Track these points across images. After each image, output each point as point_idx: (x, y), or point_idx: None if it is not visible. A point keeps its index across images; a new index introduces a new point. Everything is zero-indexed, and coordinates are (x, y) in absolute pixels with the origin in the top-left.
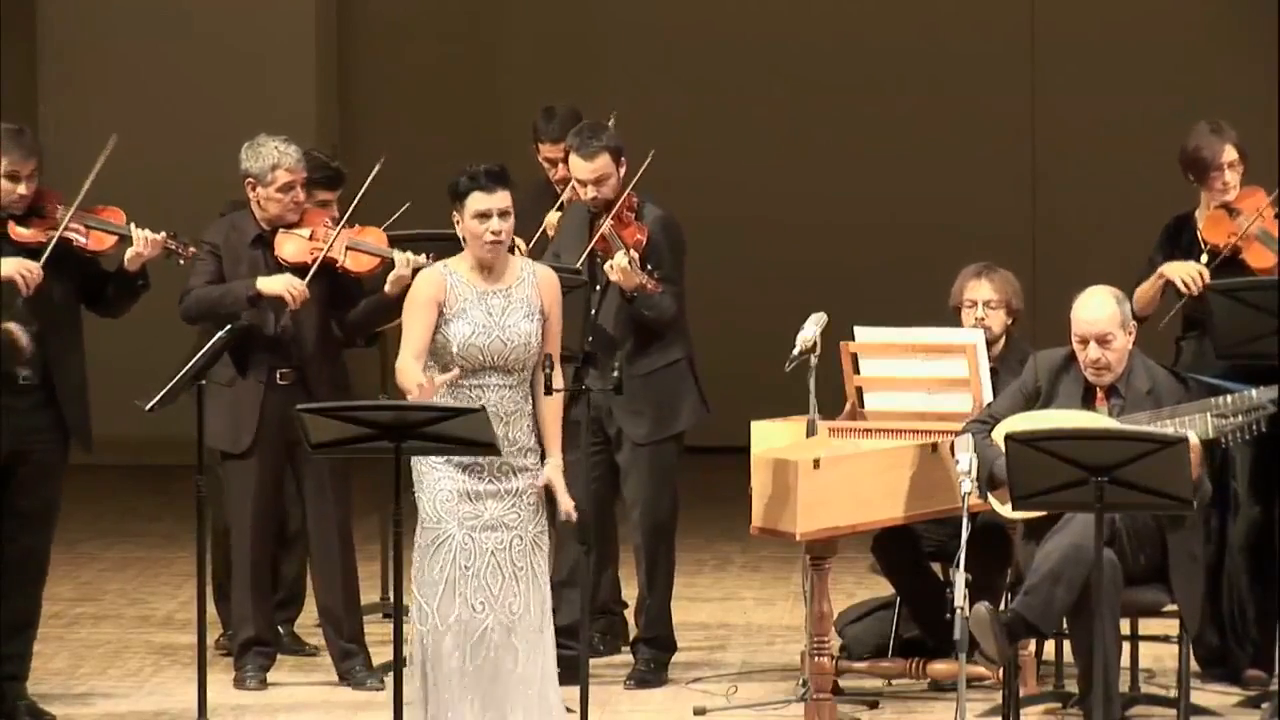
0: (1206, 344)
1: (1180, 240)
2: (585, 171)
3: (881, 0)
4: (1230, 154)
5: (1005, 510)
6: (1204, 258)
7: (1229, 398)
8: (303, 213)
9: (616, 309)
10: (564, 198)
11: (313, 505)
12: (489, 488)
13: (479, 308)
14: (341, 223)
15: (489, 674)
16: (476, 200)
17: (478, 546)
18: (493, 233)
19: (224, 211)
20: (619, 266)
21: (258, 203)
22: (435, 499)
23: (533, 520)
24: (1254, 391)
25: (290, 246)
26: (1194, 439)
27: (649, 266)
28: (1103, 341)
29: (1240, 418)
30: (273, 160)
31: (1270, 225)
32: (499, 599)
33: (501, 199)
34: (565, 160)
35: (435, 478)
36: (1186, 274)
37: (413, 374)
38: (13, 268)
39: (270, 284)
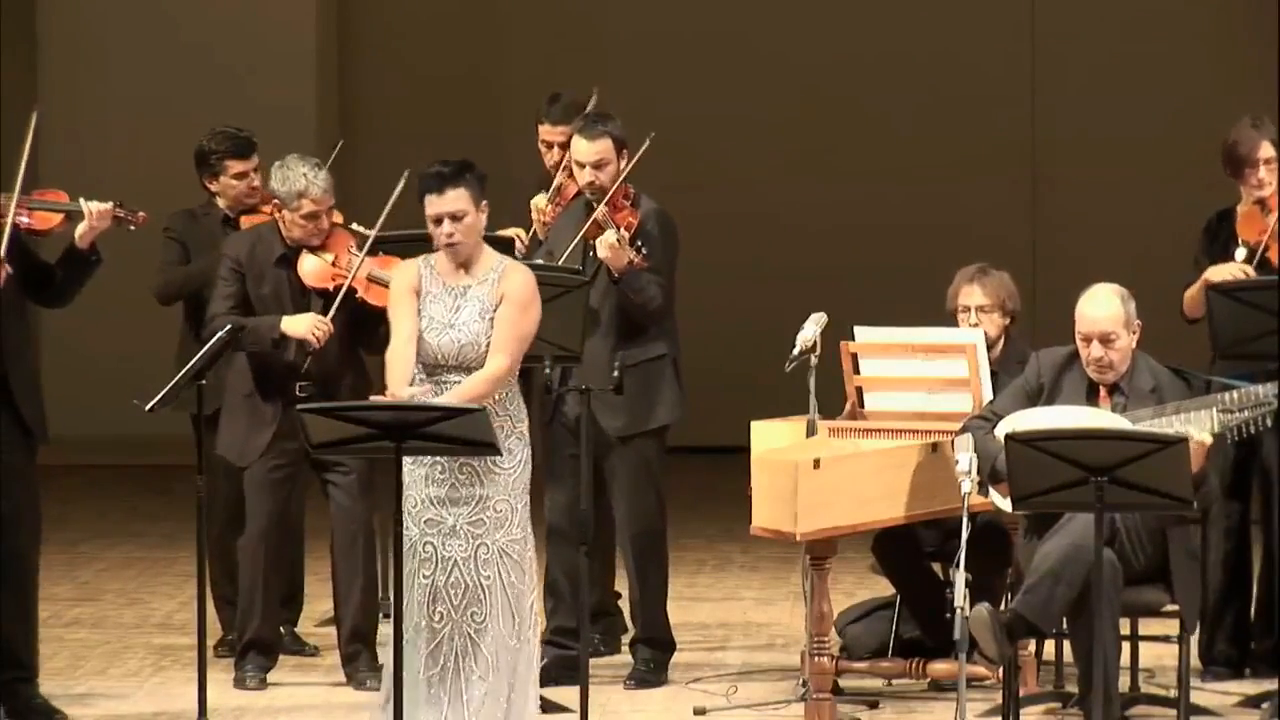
0: None
1: (1219, 236)
2: (587, 153)
3: (883, 2)
4: (1267, 150)
5: (1006, 505)
6: (1240, 253)
7: (1234, 393)
8: (326, 236)
9: (602, 300)
10: (557, 182)
11: (341, 518)
12: (451, 494)
13: (439, 304)
14: (365, 250)
15: (450, 681)
16: (428, 203)
17: (439, 555)
18: (446, 235)
19: (168, 226)
20: (607, 243)
21: (282, 222)
22: (407, 506)
23: (500, 528)
24: (1259, 387)
25: (312, 271)
26: (1208, 437)
27: (638, 243)
28: (1105, 341)
29: (1246, 413)
30: (300, 187)
31: None
32: (460, 608)
33: (453, 200)
34: (563, 145)
35: (407, 484)
36: (1230, 275)
37: (399, 369)
38: None
39: (294, 325)
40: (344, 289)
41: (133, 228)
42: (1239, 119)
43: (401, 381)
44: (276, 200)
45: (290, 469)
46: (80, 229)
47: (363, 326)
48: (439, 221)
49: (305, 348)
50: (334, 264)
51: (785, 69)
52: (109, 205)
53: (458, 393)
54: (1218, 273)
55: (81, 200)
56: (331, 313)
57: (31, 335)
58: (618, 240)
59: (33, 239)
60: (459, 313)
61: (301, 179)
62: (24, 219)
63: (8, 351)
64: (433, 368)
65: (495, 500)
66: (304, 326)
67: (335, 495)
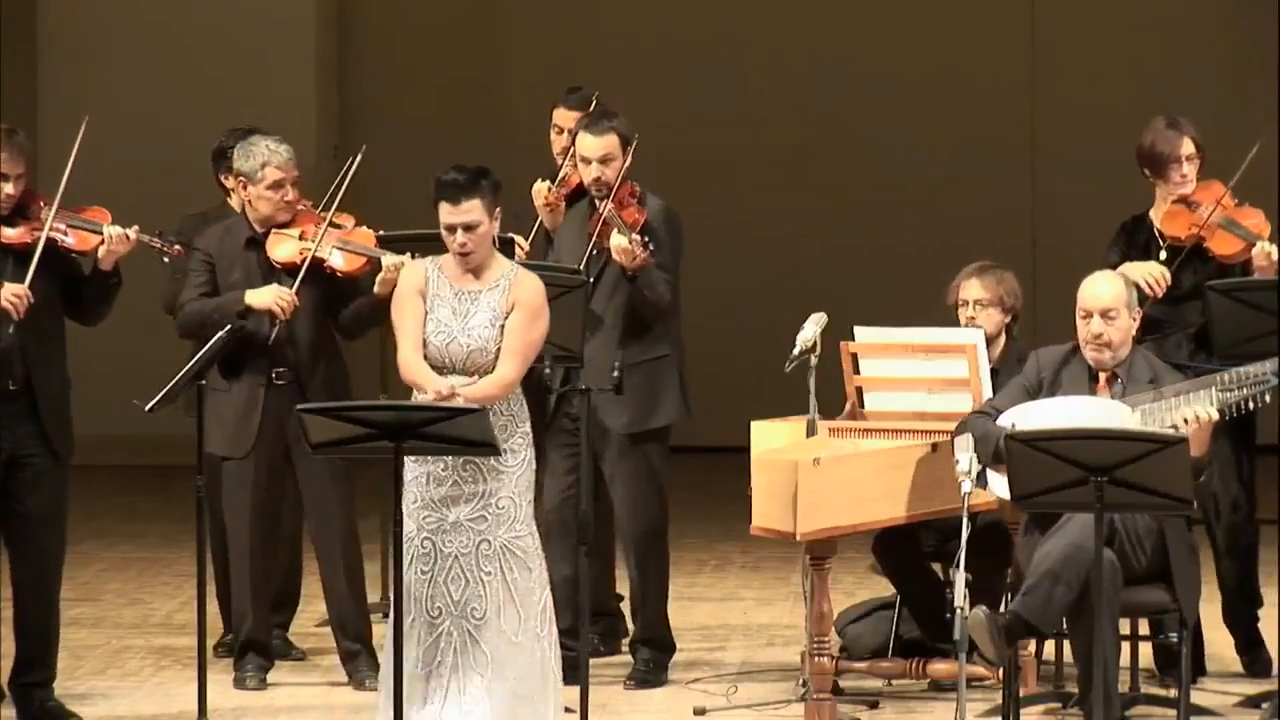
0: (1166, 346)
1: (1137, 239)
2: (593, 148)
3: (884, 2)
4: (1188, 147)
5: (1005, 493)
6: (1163, 254)
7: (1232, 372)
8: (294, 213)
9: (608, 299)
10: (563, 172)
11: (314, 506)
12: (452, 492)
13: (447, 307)
14: (326, 221)
15: (448, 677)
16: (443, 212)
17: (438, 550)
18: (459, 245)
19: (180, 229)
20: (618, 247)
21: (249, 202)
22: (406, 503)
23: (503, 524)
24: (1256, 365)
25: (281, 248)
26: (1214, 412)
27: (645, 238)
28: (1106, 315)
29: (1245, 390)
30: (263, 158)
31: (1234, 213)
32: (459, 604)
33: (467, 211)
34: (572, 136)
35: (408, 483)
36: (1148, 275)
37: (420, 370)
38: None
39: (258, 297)
40: (309, 259)
41: (166, 259)
42: (1151, 121)
43: (431, 378)
44: (242, 178)
45: (272, 463)
46: (101, 250)
47: (337, 299)
48: (453, 230)
49: (272, 320)
50: (301, 239)
51: (786, 70)
52: (130, 230)
53: (469, 394)
54: (1134, 270)
55: (104, 225)
56: (296, 284)
57: (64, 348)
58: (629, 241)
59: (74, 257)
60: (469, 318)
61: (264, 151)
62: (66, 237)
63: (34, 361)
64: (438, 370)
65: (499, 497)
66: (269, 297)
67: (307, 485)
